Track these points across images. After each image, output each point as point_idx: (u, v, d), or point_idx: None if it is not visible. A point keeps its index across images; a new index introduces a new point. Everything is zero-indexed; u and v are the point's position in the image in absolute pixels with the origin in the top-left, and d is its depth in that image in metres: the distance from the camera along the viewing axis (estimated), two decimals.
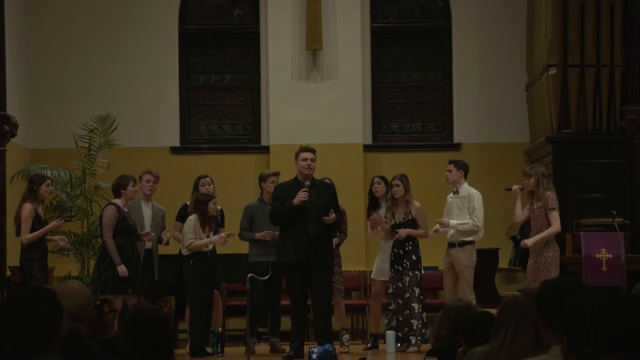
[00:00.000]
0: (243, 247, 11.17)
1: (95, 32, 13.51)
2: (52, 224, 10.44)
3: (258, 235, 10.79)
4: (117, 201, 10.18)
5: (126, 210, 10.19)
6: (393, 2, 13.92)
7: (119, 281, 9.91)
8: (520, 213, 10.52)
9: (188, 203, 10.80)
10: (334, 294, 10.69)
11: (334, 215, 9.88)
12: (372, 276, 11.07)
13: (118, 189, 10.20)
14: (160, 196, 12.21)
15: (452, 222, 10.50)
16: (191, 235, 10.24)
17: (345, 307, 11.28)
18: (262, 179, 11.05)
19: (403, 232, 10.47)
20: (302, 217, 9.87)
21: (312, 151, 10.15)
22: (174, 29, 13.67)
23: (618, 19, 12.01)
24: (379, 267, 10.86)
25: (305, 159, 10.07)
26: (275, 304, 10.93)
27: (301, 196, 9.82)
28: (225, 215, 11.19)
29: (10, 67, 11.46)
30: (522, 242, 10.60)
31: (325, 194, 10.07)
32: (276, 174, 11.06)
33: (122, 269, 9.90)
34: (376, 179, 10.97)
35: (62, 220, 10.76)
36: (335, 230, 10.36)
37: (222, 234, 10.40)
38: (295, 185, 10.04)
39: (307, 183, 9.96)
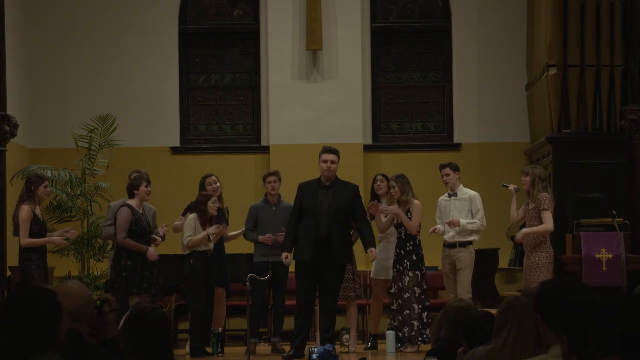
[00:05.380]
0: (249, 247, 11.17)
1: (95, 32, 13.50)
2: (57, 240, 10.31)
3: (261, 238, 10.80)
4: (131, 202, 10.01)
5: (140, 211, 10.03)
6: (393, 2, 13.91)
7: (133, 283, 9.81)
8: (515, 214, 10.53)
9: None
10: (348, 298, 10.68)
11: (374, 255, 10.06)
12: (371, 275, 11.07)
13: (131, 189, 10.05)
14: (161, 196, 12.21)
15: (463, 221, 10.50)
16: (189, 233, 10.22)
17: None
18: (263, 179, 11.09)
19: (394, 209, 10.46)
20: (313, 217, 9.86)
21: (335, 152, 10.10)
22: (174, 28, 13.66)
23: (618, 19, 12.01)
24: (377, 265, 10.86)
25: (326, 161, 10.03)
26: (278, 303, 10.92)
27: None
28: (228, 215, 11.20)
29: (10, 67, 11.44)
30: (516, 237, 10.63)
31: (345, 195, 10.00)
32: (274, 174, 11.03)
33: (151, 252, 9.84)
34: (379, 177, 10.99)
35: (64, 238, 10.63)
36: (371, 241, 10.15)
37: (216, 225, 10.33)
38: (316, 186, 10.03)
39: (287, 261, 9.98)
